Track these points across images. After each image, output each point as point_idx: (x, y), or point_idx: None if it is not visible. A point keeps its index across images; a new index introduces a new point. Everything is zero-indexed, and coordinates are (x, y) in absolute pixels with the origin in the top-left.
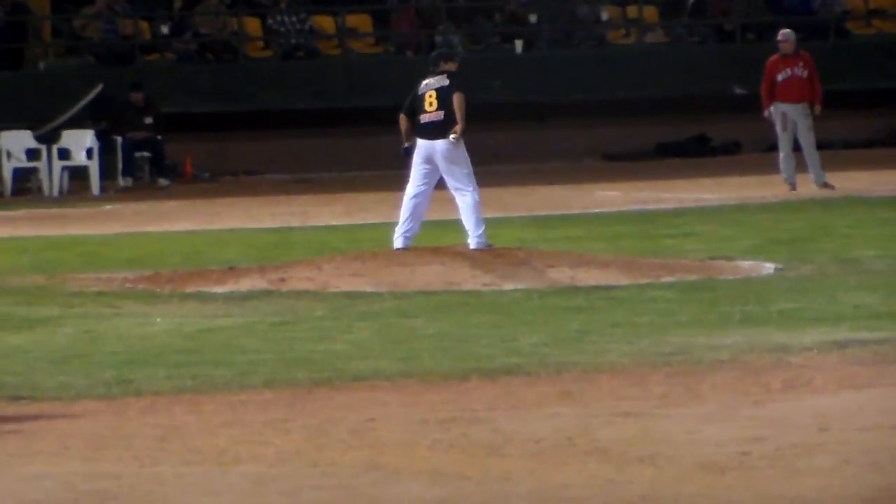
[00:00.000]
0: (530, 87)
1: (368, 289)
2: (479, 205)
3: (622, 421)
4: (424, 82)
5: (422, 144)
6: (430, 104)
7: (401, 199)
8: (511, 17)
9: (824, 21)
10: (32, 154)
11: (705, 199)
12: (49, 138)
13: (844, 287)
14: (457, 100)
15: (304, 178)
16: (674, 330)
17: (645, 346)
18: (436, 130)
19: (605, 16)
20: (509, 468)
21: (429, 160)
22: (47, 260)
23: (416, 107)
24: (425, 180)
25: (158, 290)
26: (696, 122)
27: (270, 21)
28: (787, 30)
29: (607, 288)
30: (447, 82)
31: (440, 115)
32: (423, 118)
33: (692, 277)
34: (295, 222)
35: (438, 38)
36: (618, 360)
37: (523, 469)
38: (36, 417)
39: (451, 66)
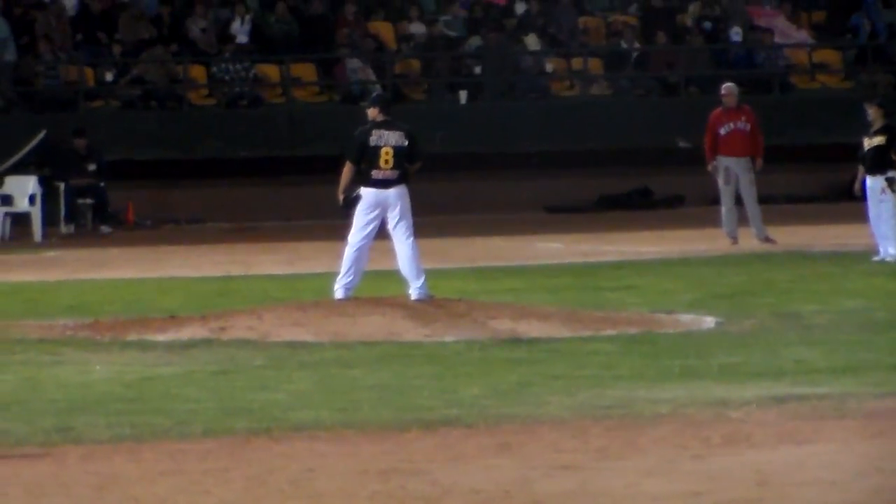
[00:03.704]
0: (474, 138)
1: (309, 338)
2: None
3: (561, 474)
4: (377, 133)
5: (370, 192)
6: (387, 161)
7: (342, 249)
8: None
9: (768, 75)
10: None
11: (647, 252)
12: None
13: (785, 342)
14: (417, 166)
15: (246, 226)
16: (614, 383)
17: (585, 398)
18: (389, 183)
19: (549, 67)
20: None
21: (377, 206)
22: None
23: (368, 159)
24: (368, 229)
25: (99, 337)
26: (639, 174)
27: (215, 69)
28: (730, 83)
29: (548, 340)
30: (406, 143)
31: (395, 174)
32: (377, 174)
33: (633, 330)
34: (236, 271)
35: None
36: (557, 412)
37: None
38: None
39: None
